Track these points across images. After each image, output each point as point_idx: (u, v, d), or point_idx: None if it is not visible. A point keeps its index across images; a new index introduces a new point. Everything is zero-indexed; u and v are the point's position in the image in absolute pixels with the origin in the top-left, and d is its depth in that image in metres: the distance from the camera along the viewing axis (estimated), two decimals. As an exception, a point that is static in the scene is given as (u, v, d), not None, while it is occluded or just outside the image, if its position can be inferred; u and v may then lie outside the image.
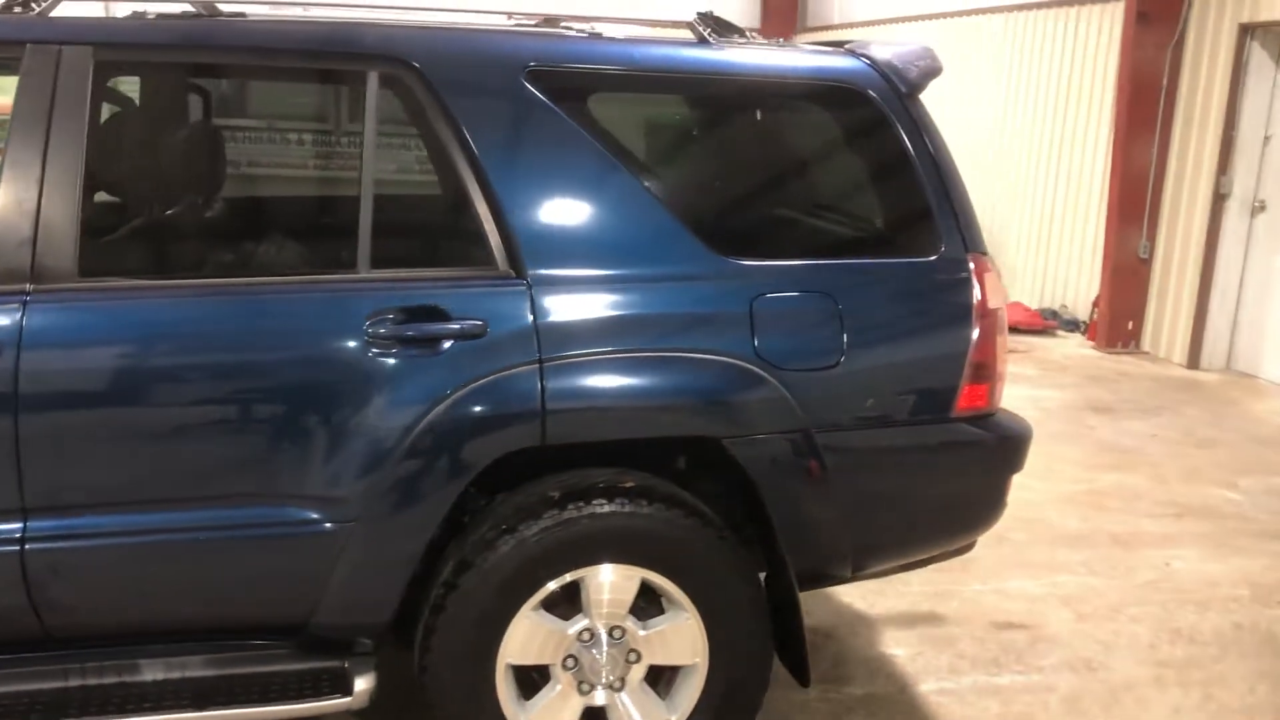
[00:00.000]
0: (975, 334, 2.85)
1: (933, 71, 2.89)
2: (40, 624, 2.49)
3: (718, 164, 3.02)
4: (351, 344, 2.49)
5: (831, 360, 2.75)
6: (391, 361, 2.51)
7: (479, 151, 2.59)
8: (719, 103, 3.02)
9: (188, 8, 2.69)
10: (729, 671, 2.79)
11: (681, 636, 2.77)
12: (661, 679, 2.83)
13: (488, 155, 2.60)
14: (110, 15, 3.01)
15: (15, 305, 2.37)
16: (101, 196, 2.66)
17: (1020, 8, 10.29)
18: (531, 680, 2.77)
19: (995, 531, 4.91)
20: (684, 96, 2.90)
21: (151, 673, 2.61)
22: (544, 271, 2.61)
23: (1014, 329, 9.21)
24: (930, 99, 2.87)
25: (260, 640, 2.65)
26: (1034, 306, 9.79)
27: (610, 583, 2.69)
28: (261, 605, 2.61)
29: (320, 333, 2.52)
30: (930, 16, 11.84)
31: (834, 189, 3.06)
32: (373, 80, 2.59)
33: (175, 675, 2.61)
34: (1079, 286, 9.48)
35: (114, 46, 2.51)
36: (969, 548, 3.23)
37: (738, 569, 2.75)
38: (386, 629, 2.67)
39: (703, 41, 2.83)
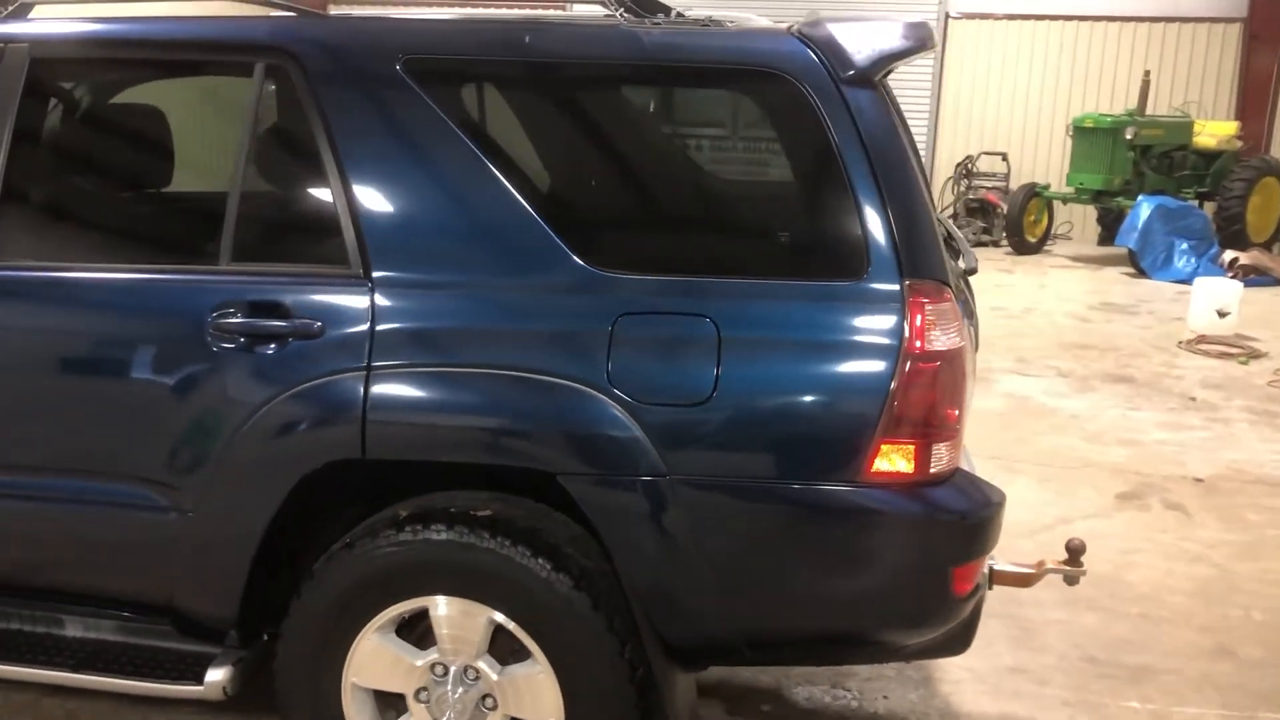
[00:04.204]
0: (900, 379, 2.24)
1: (893, 53, 2.30)
2: None
3: (608, 161, 2.62)
4: (195, 336, 2.50)
5: (700, 396, 2.30)
6: (231, 356, 2.48)
7: (339, 143, 2.49)
8: (619, 91, 2.62)
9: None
10: (587, 740, 2.44)
11: (535, 689, 2.48)
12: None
13: (347, 147, 2.48)
14: None
15: None
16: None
17: None
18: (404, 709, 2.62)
19: (1222, 642, 3.88)
20: (582, 86, 2.54)
21: (73, 629, 2.83)
22: (390, 273, 2.44)
23: None
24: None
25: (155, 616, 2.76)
26: None
27: (453, 617, 2.48)
28: (119, 578, 2.70)
29: (167, 322, 2.56)
30: None
31: (742, 192, 2.52)
32: (258, 71, 2.57)
33: (91, 635, 2.81)
34: None
35: (42, 44, 2.70)
36: (954, 648, 2.54)
37: (595, 625, 2.40)
38: (235, 624, 2.64)
39: (612, 24, 2.48)
